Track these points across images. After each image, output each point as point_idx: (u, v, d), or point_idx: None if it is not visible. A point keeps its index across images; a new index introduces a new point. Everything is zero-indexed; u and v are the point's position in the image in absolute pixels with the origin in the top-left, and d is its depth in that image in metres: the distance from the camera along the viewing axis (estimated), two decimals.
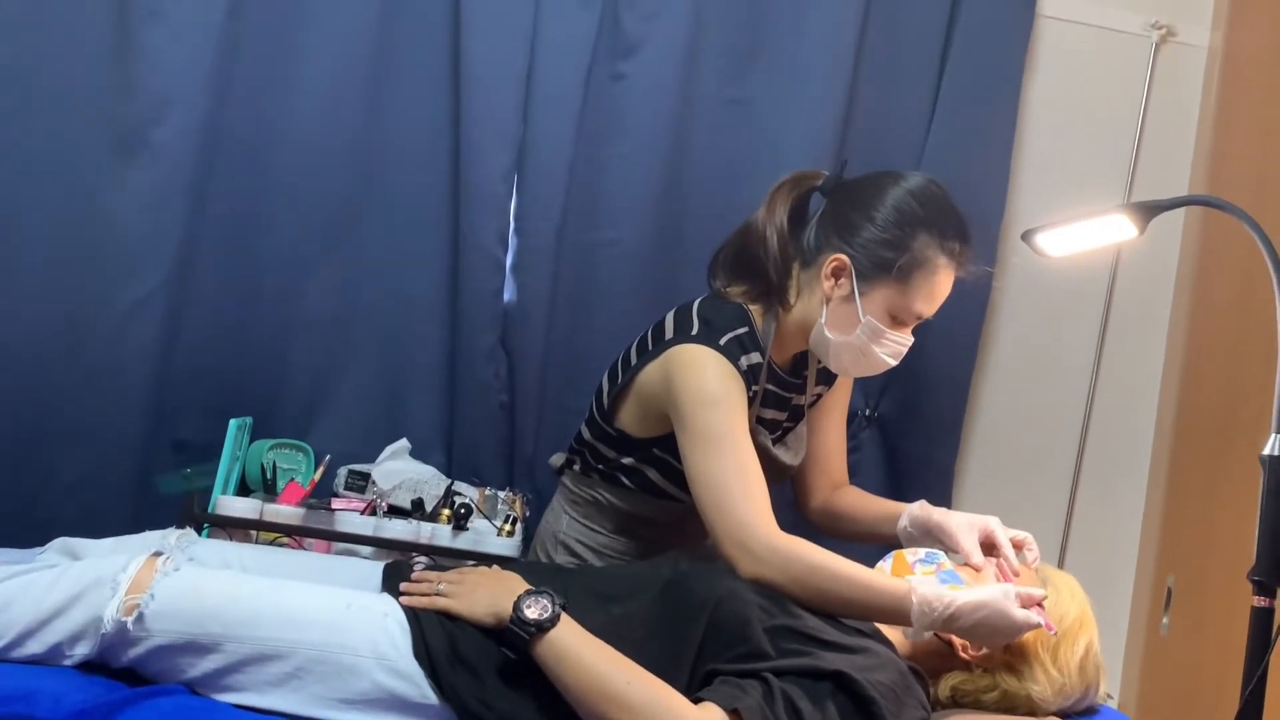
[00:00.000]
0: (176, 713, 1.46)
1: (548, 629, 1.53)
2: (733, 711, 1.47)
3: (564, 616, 1.55)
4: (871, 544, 2.02)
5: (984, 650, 1.72)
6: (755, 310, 1.93)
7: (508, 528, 2.19)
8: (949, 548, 1.84)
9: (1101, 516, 2.72)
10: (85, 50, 2.25)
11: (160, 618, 1.52)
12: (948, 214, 1.86)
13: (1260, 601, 1.61)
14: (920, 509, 1.95)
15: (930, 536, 1.90)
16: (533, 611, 1.54)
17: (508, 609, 1.55)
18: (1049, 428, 2.72)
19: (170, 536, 1.79)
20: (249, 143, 2.34)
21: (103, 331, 2.27)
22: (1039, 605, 1.69)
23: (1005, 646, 1.71)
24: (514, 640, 1.54)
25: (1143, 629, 2.64)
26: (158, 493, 2.28)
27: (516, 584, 1.61)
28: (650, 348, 1.91)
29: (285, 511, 2.14)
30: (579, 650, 1.53)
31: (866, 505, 2.09)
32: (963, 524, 1.85)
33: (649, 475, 1.97)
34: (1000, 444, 2.70)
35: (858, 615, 1.70)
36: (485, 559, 2.01)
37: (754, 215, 1.96)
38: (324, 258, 2.40)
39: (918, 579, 1.72)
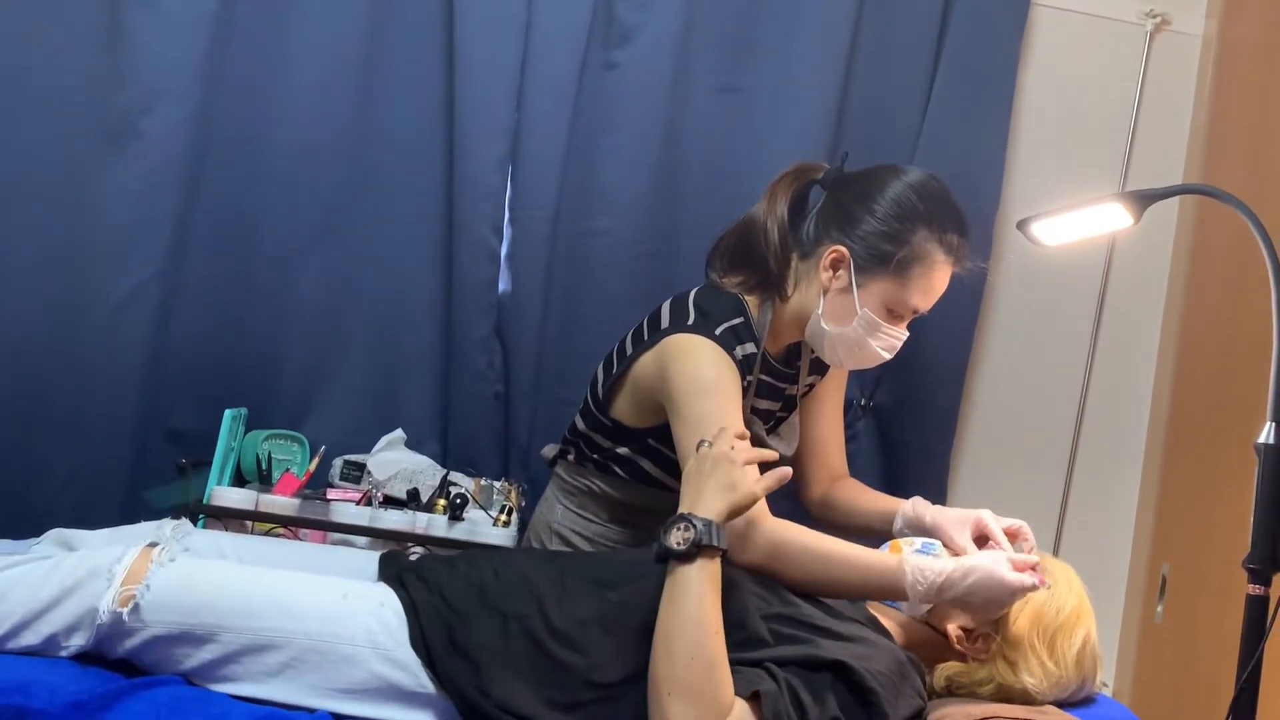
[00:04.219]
0: (173, 703, 1.46)
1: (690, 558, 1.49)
2: (752, 696, 1.47)
3: (700, 558, 1.50)
4: (867, 537, 2.02)
5: (979, 643, 1.72)
6: (751, 300, 1.93)
7: (503, 518, 2.19)
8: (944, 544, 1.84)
9: (1096, 504, 2.72)
10: (76, 39, 2.24)
11: (156, 608, 1.52)
12: (947, 210, 1.87)
13: (1255, 589, 1.60)
14: (913, 509, 1.94)
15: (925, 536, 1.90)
16: (673, 539, 1.51)
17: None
18: (1045, 416, 2.71)
19: (165, 527, 1.78)
20: (241, 133, 2.33)
21: (95, 323, 2.26)
22: (1032, 569, 1.68)
23: (1001, 637, 1.71)
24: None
25: (1137, 616, 2.64)
26: (150, 506, 2.26)
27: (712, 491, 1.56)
28: (646, 337, 1.91)
29: (281, 502, 2.14)
30: (701, 590, 1.49)
31: (861, 499, 2.09)
32: (954, 521, 1.85)
33: (643, 465, 1.97)
34: (996, 432, 2.69)
35: (852, 594, 1.70)
36: (481, 548, 2.01)
37: (755, 207, 1.96)
38: (318, 248, 2.39)
39: (908, 552, 1.73)
